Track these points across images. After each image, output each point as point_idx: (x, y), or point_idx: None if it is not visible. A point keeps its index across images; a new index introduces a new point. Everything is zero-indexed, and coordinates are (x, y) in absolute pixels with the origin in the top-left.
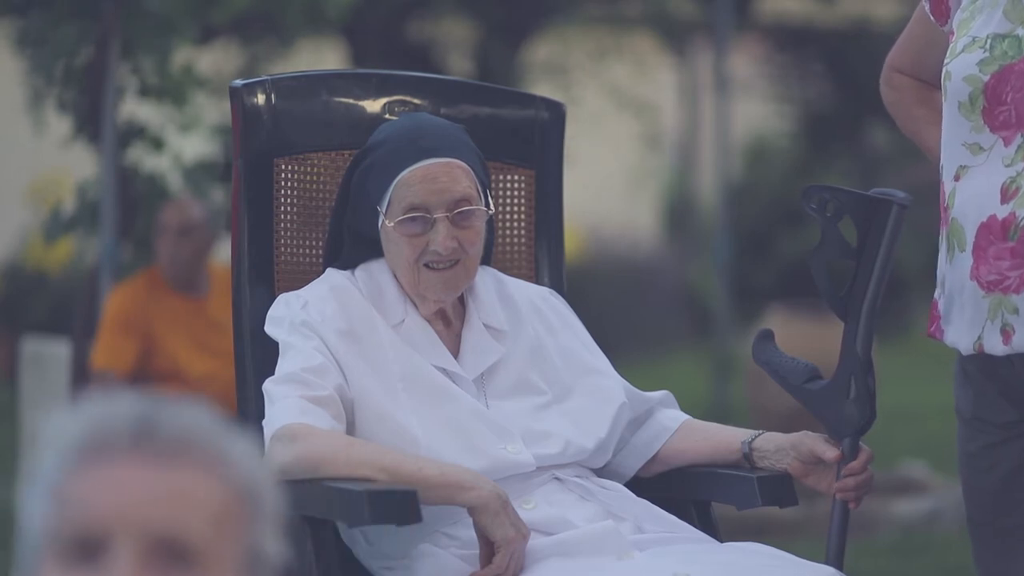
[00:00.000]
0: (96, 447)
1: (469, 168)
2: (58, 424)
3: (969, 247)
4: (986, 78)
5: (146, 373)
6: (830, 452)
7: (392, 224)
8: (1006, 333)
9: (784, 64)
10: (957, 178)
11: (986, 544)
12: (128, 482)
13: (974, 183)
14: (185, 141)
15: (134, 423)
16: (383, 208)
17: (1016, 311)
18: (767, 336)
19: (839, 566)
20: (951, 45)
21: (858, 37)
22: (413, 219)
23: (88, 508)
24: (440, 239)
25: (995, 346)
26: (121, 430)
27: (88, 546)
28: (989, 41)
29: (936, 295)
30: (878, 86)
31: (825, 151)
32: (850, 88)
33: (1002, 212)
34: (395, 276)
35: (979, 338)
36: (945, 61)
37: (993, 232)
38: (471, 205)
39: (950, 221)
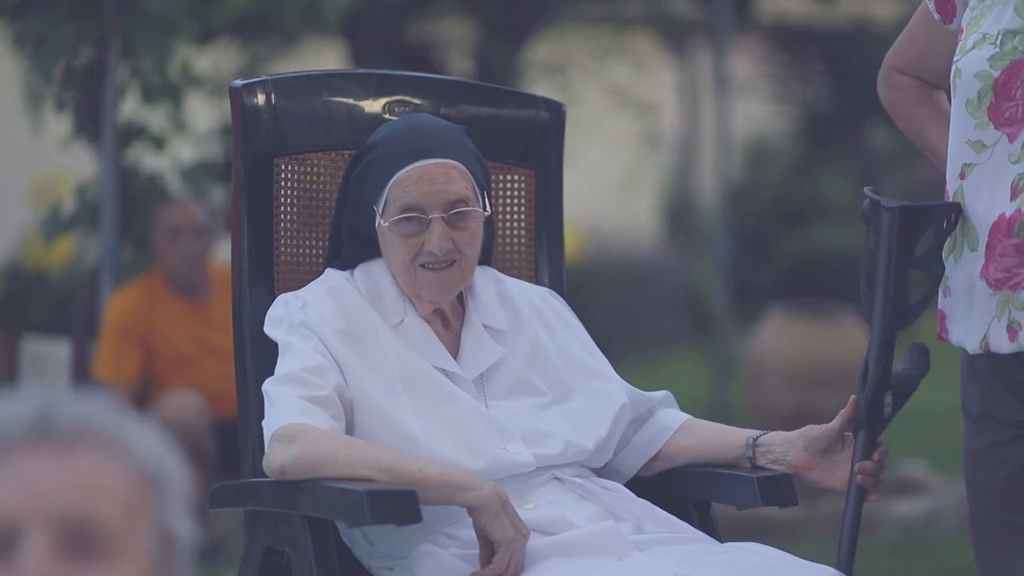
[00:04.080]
0: None
1: (466, 169)
2: None
3: (982, 247)
4: (996, 73)
5: (150, 375)
6: (841, 416)
7: (387, 224)
8: (1012, 330)
9: (784, 64)
10: (962, 176)
11: (990, 543)
12: (33, 473)
13: (982, 181)
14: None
15: (31, 417)
16: (379, 208)
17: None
18: (919, 349)
19: (848, 570)
20: (961, 42)
21: (858, 37)
22: (408, 219)
23: None
24: (435, 239)
25: (1001, 344)
26: (19, 425)
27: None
28: (1000, 37)
29: (940, 296)
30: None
31: (825, 151)
32: (850, 88)
33: (1010, 209)
34: (394, 276)
35: (985, 336)
36: (955, 58)
37: (1002, 230)
38: (467, 206)
39: (960, 220)
